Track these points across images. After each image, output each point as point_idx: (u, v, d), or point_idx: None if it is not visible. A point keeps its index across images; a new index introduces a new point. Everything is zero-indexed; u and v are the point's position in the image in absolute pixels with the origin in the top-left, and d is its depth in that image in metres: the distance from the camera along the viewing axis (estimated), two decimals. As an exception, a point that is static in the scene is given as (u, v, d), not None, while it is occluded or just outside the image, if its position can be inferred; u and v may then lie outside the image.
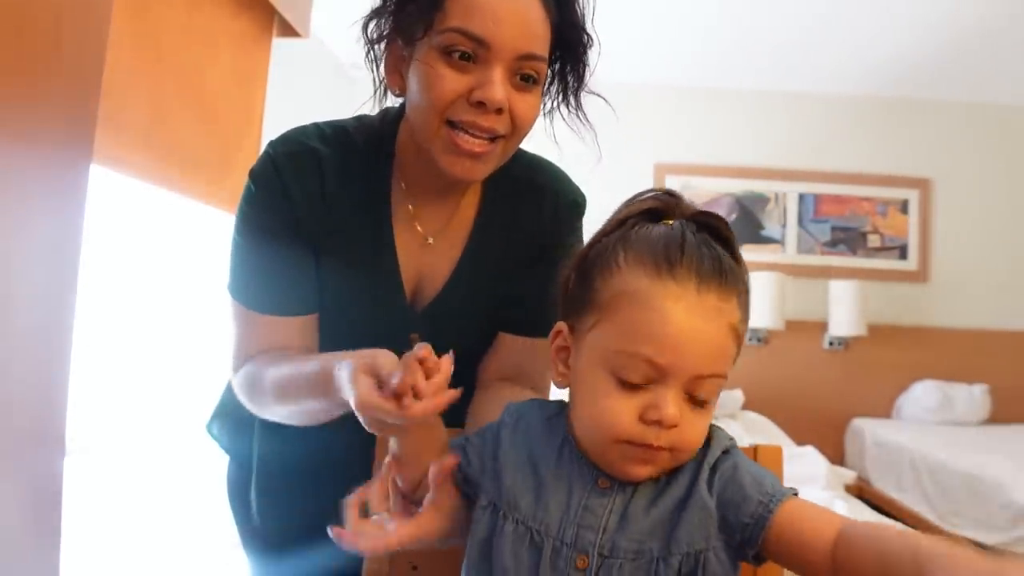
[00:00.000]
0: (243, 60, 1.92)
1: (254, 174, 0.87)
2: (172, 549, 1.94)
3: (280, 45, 2.06)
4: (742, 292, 0.63)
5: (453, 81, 0.77)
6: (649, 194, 0.68)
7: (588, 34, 0.85)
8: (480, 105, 0.77)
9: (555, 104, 0.90)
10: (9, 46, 0.73)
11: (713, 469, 0.64)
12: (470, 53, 0.77)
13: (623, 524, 0.62)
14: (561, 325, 0.69)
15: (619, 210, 0.69)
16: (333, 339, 0.90)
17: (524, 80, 0.79)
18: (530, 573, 0.62)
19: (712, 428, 0.66)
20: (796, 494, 0.62)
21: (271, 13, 1.97)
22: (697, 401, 0.61)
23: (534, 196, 0.93)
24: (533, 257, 0.92)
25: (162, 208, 1.84)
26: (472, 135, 0.79)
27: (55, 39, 0.80)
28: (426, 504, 0.68)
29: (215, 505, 1.09)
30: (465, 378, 0.97)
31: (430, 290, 0.93)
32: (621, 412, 0.60)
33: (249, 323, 0.87)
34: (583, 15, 0.85)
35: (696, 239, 0.63)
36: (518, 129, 0.82)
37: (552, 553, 0.62)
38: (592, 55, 0.87)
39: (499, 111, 0.78)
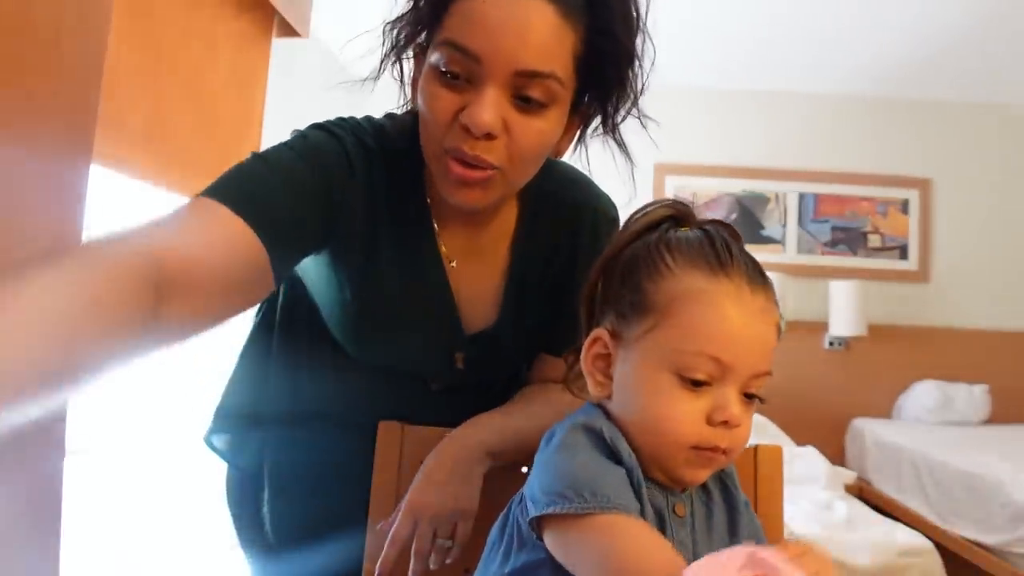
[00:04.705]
0: (243, 61, 1.91)
1: (314, 132, 0.78)
2: (172, 549, 1.93)
3: (280, 45, 2.06)
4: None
5: (445, 101, 0.69)
6: (659, 204, 0.68)
7: (624, 43, 0.73)
8: (467, 129, 0.68)
9: (584, 128, 0.81)
10: (9, 46, 0.72)
11: (734, 486, 0.69)
12: (459, 72, 0.68)
13: (701, 551, 0.62)
14: (600, 332, 0.65)
15: (633, 219, 0.68)
16: (379, 346, 0.88)
17: (525, 101, 0.69)
18: None
19: None
20: None
21: (271, 13, 1.97)
22: (750, 398, 0.62)
23: (572, 214, 0.88)
24: (571, 276, 0.88)
25: (162, 208, 1.83)
26: (463, 161, 0.70)
27: (55, 39, 0.80)
28: None
29: (215, 505, 1.08)
30: (505, 391, 0.94)
31: (469, 312, 0.88)
32: (688, 415, 0.60)
33: (194, 210, 0.70)
34: (633, 19, 0.73)
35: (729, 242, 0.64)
36: (516, 160, 0.71)
37: None
38: (643, 67, 0.76)
39: (489, 136, 0.68)
